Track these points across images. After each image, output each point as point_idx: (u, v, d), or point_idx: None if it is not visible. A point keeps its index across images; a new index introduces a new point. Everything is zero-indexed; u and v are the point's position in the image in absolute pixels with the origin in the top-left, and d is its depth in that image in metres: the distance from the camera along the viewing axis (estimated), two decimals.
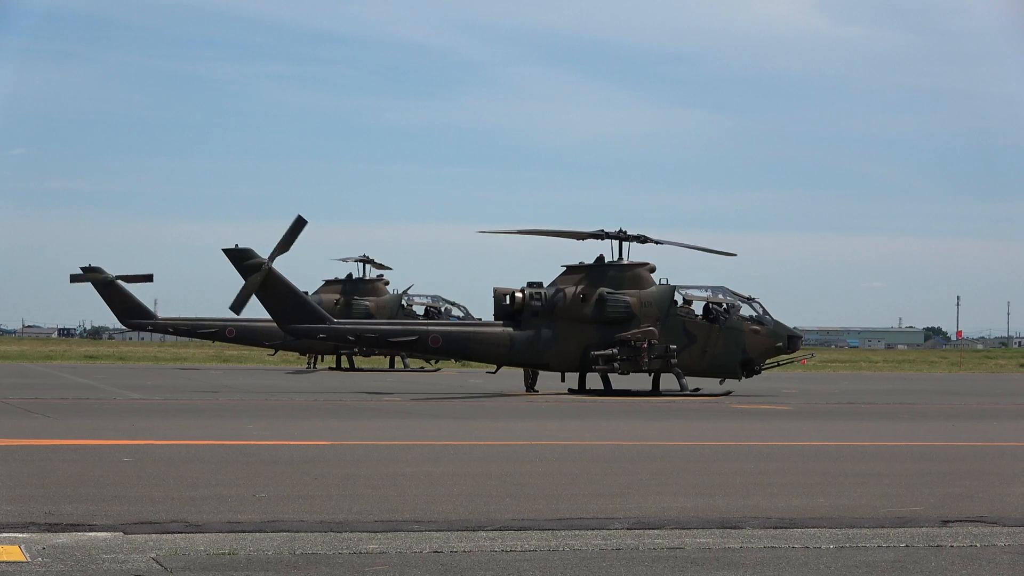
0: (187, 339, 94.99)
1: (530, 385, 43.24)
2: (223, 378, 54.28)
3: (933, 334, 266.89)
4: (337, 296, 67.30)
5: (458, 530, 11.85)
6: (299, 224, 43.00)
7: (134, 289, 71.26)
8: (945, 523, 12.67)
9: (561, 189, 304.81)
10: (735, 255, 45.87)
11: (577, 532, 11.83)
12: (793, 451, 21.02)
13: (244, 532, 11.57)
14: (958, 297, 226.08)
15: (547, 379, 44.61)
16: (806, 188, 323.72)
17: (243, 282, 42.80)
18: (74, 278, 69.61)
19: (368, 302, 66.82)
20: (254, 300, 43.08)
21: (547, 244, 43.17)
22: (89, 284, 69.75)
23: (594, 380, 42.79)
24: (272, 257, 42.79)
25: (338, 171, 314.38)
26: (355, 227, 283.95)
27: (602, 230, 42.02)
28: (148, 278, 70.72)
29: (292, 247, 43.04)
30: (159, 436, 22.02)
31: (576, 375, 42.86)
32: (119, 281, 69.95)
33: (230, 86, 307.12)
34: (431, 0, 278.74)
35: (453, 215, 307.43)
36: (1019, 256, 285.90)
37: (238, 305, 43.15)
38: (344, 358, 70.20)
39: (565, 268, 42.78)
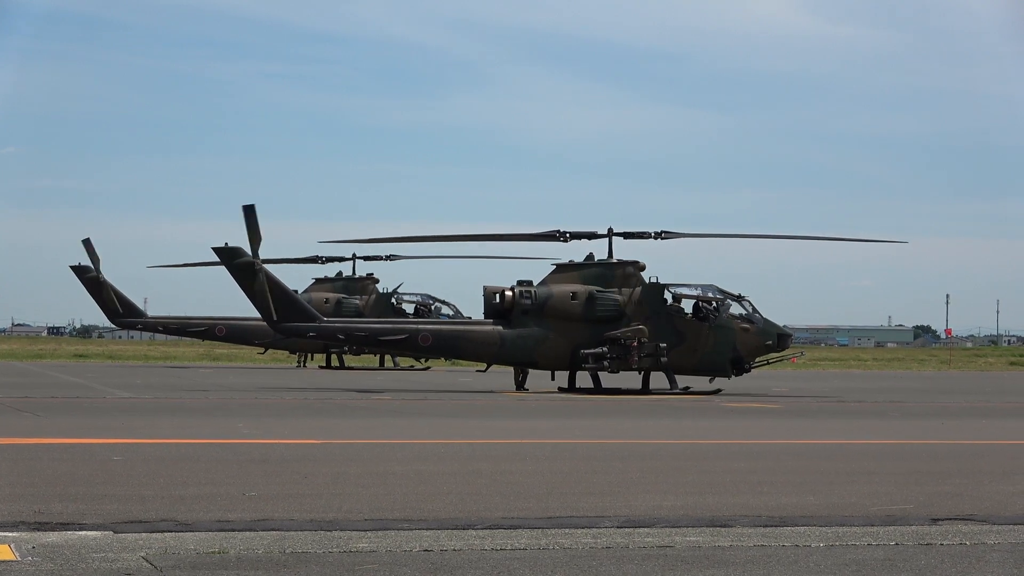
0: (177, 338, 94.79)
1: (520, 383, 43.22)
2: (213, 377, 54.21)
3: (923, 332, 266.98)
4: (327, 295, 67.25)
5: (448, 528, 11.85)
6: (250, 212, 41.87)
7: (124, 288, 71.44)
8: (935, 521, 12.69)
9: (556, 188, 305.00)
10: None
11: (567, 530, 11.83)
12: (783, 449, 21.03)
13: (234, 531, 11.56)
14: (947, 295, 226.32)
15: (537, 377, 44.60)
16: (796, 186, 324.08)
17: (233, 280, 42.73)
18: (85, 243, 69.96)
19: (358, 301, 66.78)
20: (245, 299, 42.98)
21: (539, 242, 42.86)
22: (85, 284, 69.94)
23: (584, 378, 42.79)
24: (255, 253, 42.45)
25: (332, 170, 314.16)
26: (348, 226, 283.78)
27: (557, 230, 42.01)
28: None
29: (262, 234, 42.42)
30: (149, 435, 21.99)
31: (566, 373, 42.85)
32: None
33: (225, 86, 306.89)
34: None
35: (448, 214, 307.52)
36: (1009, 254, 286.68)
37: (267, 314, 42.77)
38: (334, 356, 70.20)
39: (555, 266, 42.79)
